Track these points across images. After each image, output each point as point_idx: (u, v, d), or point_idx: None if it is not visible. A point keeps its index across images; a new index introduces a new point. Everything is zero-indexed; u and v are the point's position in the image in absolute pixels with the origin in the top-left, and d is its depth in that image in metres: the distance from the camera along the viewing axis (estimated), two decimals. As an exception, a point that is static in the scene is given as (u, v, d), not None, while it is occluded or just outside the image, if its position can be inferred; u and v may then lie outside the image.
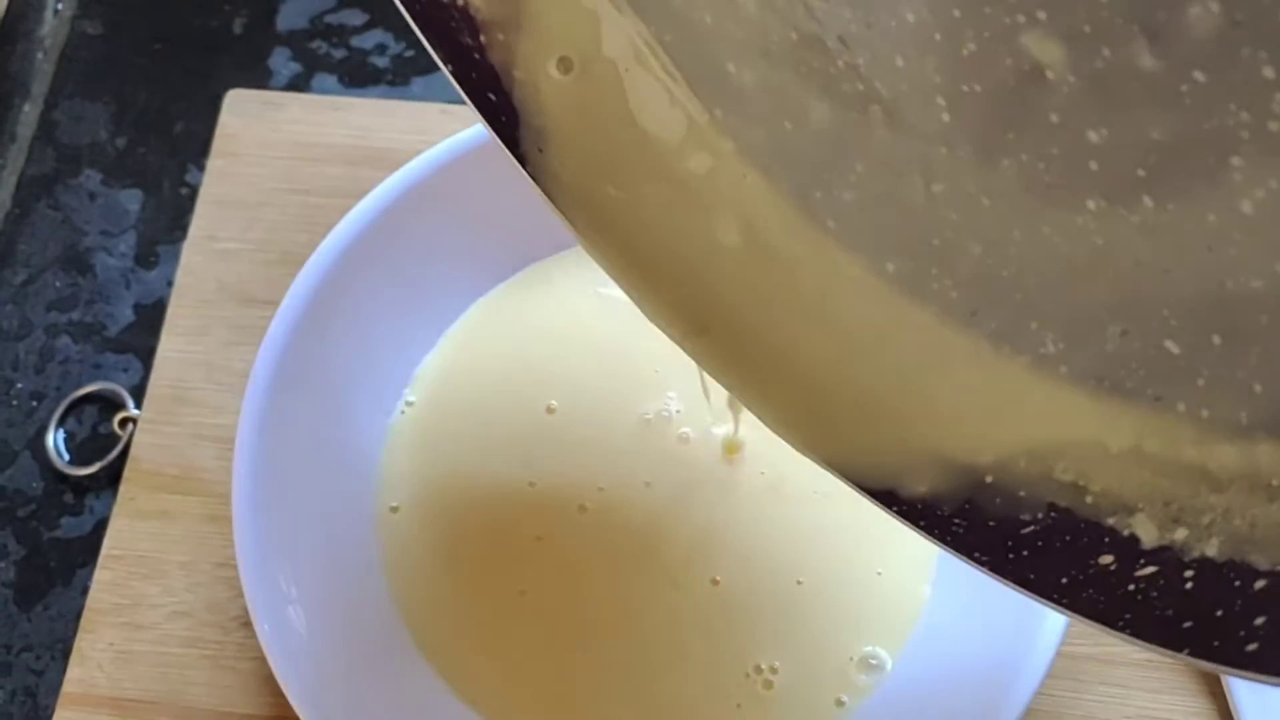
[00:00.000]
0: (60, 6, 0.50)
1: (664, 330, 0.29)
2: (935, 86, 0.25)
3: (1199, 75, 0.21)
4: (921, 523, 0.27)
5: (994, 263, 0.27)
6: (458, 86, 0.28)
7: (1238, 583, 0.24)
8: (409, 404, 0.39)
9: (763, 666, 0.35)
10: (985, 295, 0.27)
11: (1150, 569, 0.25)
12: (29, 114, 0.48)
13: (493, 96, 0.29)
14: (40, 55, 0.49)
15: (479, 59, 0.29)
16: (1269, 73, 0.21)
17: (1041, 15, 0.23)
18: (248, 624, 0.38)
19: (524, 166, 0.29)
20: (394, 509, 0.37)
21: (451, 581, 0.36)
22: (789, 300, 0.29)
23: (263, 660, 0.34)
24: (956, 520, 0.27)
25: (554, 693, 0.35)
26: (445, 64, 0.28)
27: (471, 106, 0.28)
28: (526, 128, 0.29)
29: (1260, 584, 0.23)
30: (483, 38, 0.28)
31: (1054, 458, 0.27)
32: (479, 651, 0.36)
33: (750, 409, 0.29)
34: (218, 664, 0.38)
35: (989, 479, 0.27)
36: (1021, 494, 0.27)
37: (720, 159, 0.29)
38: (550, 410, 0.38)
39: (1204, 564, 0.24)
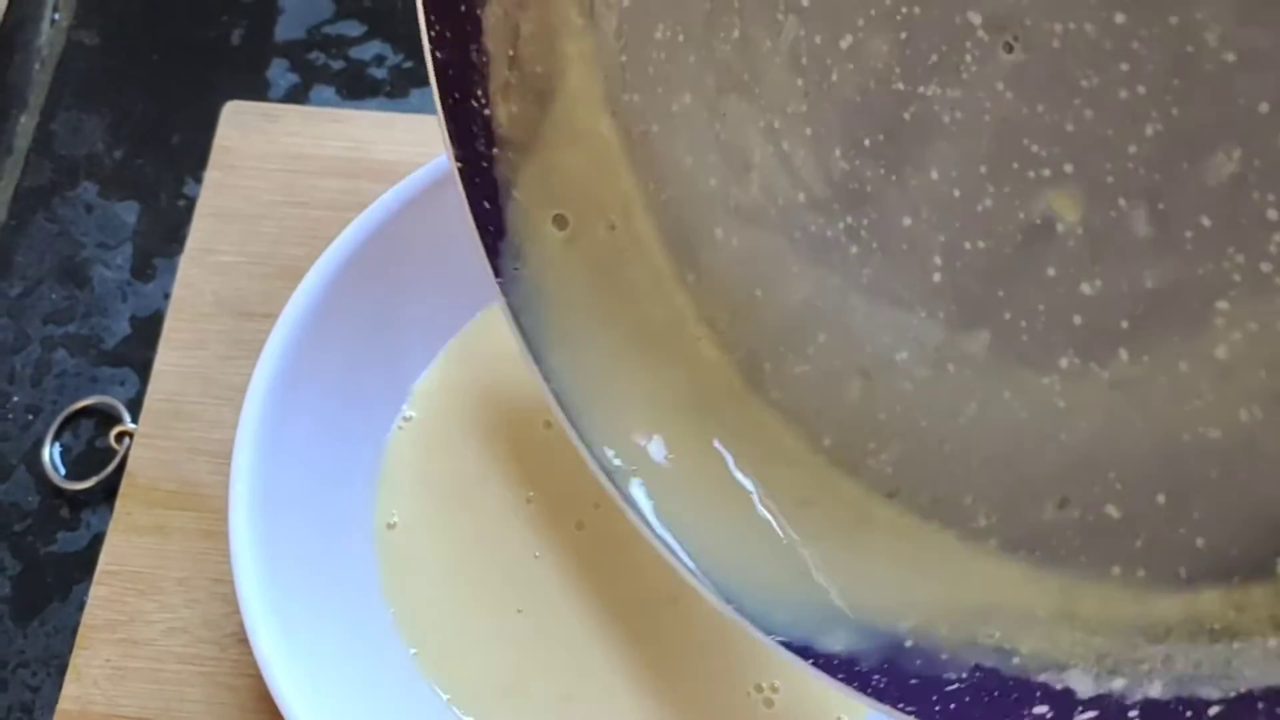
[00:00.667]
0: (58, 17, 0.50)
1: (592, 461, 0.30)
2: (935, 245, 0.26)
3: (1205, 220, 0.22)
4: (840, 675, 0.27)
5: (938, 437, 0.27)
6: (460, 186, 0.30)
7: (1189, 714, 0.23)
8: (406, 419, 0.39)
9: (763, 685, 0.35)
10: (921, 471, 0.27)
11: (1090, 714, 0.24)
12: (25, 125, 0.48)
13: (487, 205, 0.30)
14: (37, 66, 0.49)
15: (487, 167, 0.30)
16: (1273, 215, 0.21)
17: (1069, 169, 0.23)
18: (244, 640, 0.38)
19: (497, 276, 0.30)
20: (391, 525, 0.37)
21: (450, 598, 0.36)
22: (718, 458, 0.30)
23: (259, 677, 0.33)
24: (876, 676, 0.27)
25: (554, 710, 0.35)
26: (457, 161, 0.30)
27: (466, 209, 0.30)
28: (509, 244, 0.30)
29: (1215, 710, 0.23)
30: (495, 150, 0.30)
31: (978, 623, 0.26)
32: (478, 668, 0.35)
33: (665, 553, 0.29)
34: (214, 681, 0.38)
35: (908, 643, 0.27)
36: (944, 656, 0.26)
37: (680, 319, 0.30)
38: (547, 425, 0.38)
39: (1149, 704, 0.24)
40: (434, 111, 0.47)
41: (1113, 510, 0.25)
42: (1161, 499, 0.24)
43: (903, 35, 0.25)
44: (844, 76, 0.26)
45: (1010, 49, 0.24)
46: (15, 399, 0.43)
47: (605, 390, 0.31)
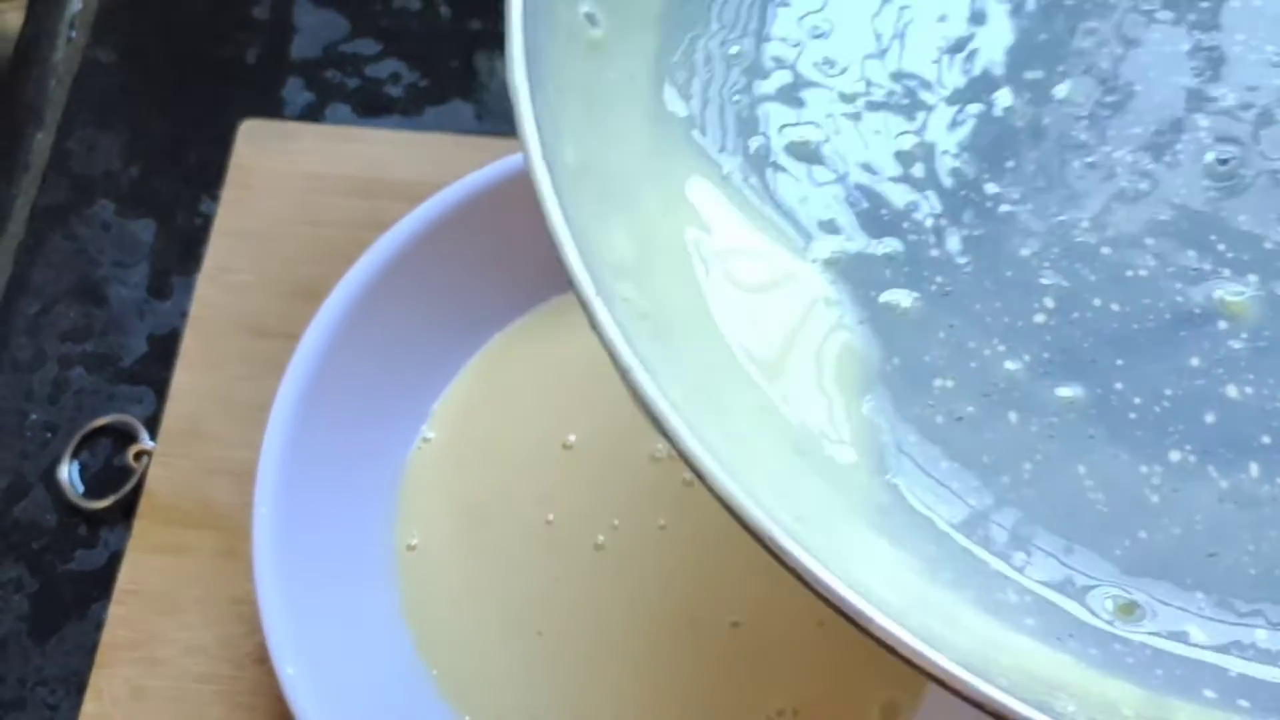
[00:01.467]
0: (74, 34, 0.50)
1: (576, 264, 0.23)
2: (1052, 288, 0.24)
3: None
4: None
5: (966, 486, 0.24)
6: None
7: None
8: (426, 440, 0.39)
9: (784, 710, 0.35)
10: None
11: None
12: (42, 143, 0.48)
13: None
14: (54, 83, 0.49)
15: None
16: None
17: (1251, 279, 0.23)
18: (262, 660, 0.38)
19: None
20: (411, 546, 0.37)
21: (470, 619, 0.36)
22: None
23: (277, 697, 0.34)
24: None
25: (572, 732, 0.35)
26: None
27: None
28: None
29: None
30: None
31: (1043, 691, 0.22)
32: (498, 690, 0.36)
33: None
34: (232, 701, 0.38)
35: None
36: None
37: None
38: (567, 446, 0.38)
39: None
40: (448, 129, 0.47)
41: (1196, 631, 0.22)
42: (1262, 634, 0.22)
43: (1109, 99, 0.25)
44: (1022, 112, 0.25)
45: (1225, 162, 0.24)
46: (33, 417, 0.43)
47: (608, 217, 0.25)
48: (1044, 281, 0.24)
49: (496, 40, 0.49)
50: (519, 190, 0.37)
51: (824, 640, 0.36)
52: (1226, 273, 0.23)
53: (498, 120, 0.48)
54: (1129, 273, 0.24)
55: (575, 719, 0.35)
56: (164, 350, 0.44)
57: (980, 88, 0.26)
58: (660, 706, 0.35)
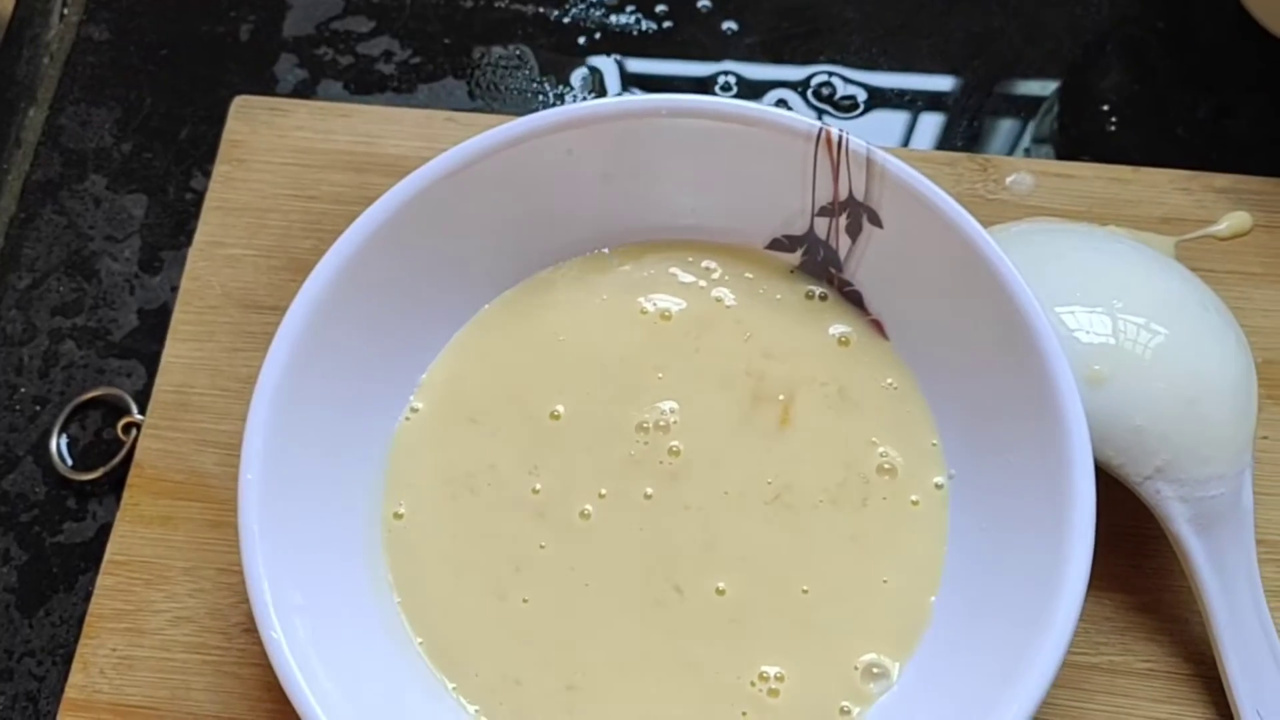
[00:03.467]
0: (66, 11, 0.50)
1: None
2: None
3: None
4: None
5: None
6: None
7: None
8: (414, 410, 0.39)
9: (768, 674, 0.35)
10: None
11: None
12: (34, 118, 0.48)
13: None
14: (46, 60, 0.49)
15: None
16: None
17: None
18: (250, 630, 0.38)
19: None
20: (398, 515, 0.37)
21: (456, 588, 0.36)
22: None
23: (265, 667, 0.33)
24: None
25: (558, 699, 0.35)
26: None
27: None
28: None
29: None
30: None
31: None
32: (484, 658, 0.36)
33: None
34: (220, 670, 0.38)
35: None
36: None
37: None
38: (555, 417, 0.38)
39: None
40: (440, 106, 0.47)
41: None
42: None
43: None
44: None
45: None
46: (23, 390, 0.43)
47: None
48: None
49: (488, 18, 0.49)
50: (505, 163, 0.38)
51: (808, 605, 0.36)
52: None
53: (489, 97, 0.48)
54: None
55: (559, 685, 0.35)
56: (154, 324, 0.44)
57: None
58: (646, 673, 0.35)
